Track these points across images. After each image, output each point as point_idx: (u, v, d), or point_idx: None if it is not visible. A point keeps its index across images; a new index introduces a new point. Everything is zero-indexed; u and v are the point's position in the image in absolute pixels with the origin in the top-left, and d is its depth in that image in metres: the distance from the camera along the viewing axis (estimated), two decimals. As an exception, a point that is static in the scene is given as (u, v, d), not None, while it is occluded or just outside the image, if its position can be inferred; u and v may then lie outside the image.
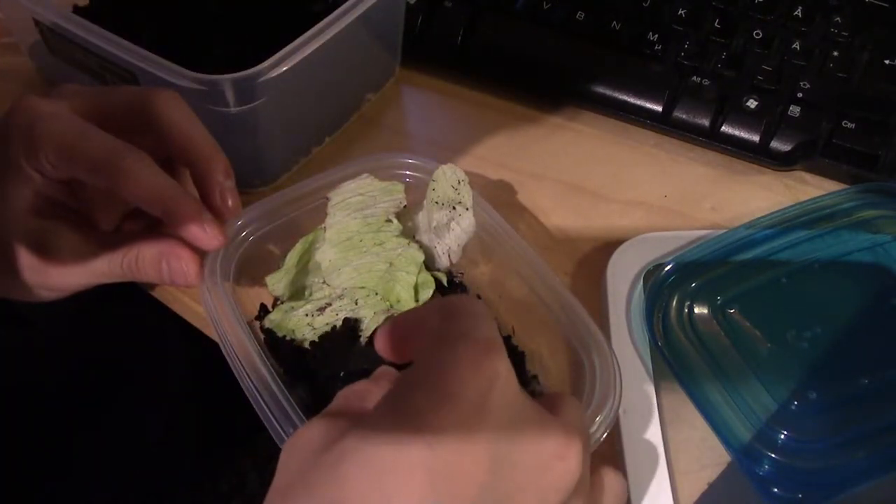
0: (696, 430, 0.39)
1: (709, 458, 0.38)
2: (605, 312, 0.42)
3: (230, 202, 0.37)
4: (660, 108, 0.52)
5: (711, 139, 0.51)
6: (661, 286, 0.42)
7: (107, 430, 0.54)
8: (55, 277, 0.37)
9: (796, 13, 0.53)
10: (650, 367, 0.40)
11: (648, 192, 0.50)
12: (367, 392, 0.29)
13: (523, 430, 0.25)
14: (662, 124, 0.52)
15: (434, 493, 0.22)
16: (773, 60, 0.52)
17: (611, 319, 0.42)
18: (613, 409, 0.35)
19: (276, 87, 0.42)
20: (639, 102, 0.52)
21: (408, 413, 0.24)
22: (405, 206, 0.44)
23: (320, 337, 0.42)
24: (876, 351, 0.40)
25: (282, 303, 0.43)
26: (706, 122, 0.51)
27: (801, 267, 0.42)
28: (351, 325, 0.42)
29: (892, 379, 0.39)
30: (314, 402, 0.39)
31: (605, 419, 0.35)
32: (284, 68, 0.41)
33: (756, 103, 0.50)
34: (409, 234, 0.44)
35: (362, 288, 0.43)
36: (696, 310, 0.41)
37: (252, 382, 0.35)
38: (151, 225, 0.40)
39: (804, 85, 0.51)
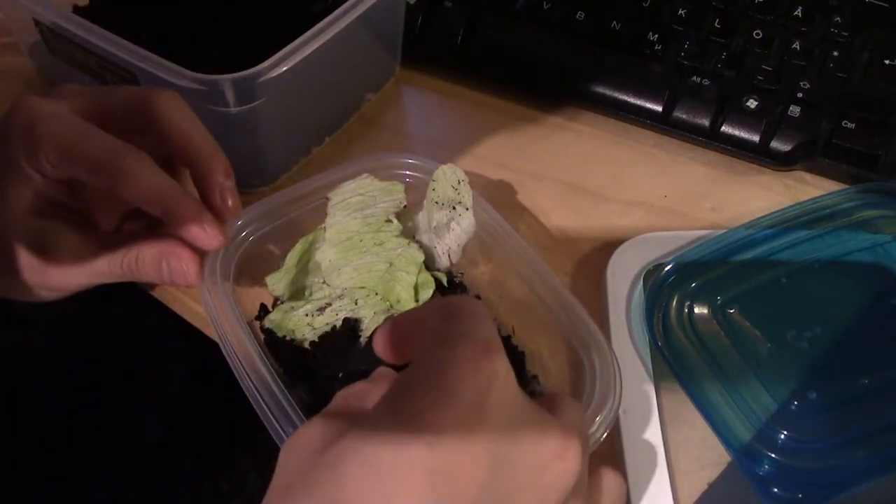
0: (696, 430, 0.39)
1: (709, 458, 0.38)
2: (605, 312, 0.42)
3: (230, 202, 0.37)
4: (660, 108, 0.52)
5: (711, 139, 0.51)
6: (661, 286, 0.42)
7: (107, 430, 0.54)
8: (55, 277, 0.37)
9: (796, 13, 0.53)
10: (650, 367, 0.40)
11: (648, 192, 0.50)
12: (366, 393, 0.29)
13: (523, 430, 0.25)
14: (662, 124, 0.52)
15: (434, 493, 0.22)
16: (773, 60, 0.52)
17: (611, 319, 0.42)
18: (613, 409, 0.35)
19: (276, 87, 0.42)
20: (639, 102, 0.52)
21: (407, 413, 0.24)
22: (405, 206, 0.44)
23: (320, 337, 0.42)
24: (876, 351, 0.40)
25: (282, 303, 0.43)
26: (706, 122, 0.51)
27: (801, 267, 0.42)
28: (351, 326, 0.42)
29: (892, 379, 0.39)
30: (314, 402, 0.39)
31: (604, 419, 0.35)
32: (284, 68, 0.41)
33: (756, 103, 0.50)
34: (409, 234, 0.44)
35: (362, 288, 0.43)
36: (696, 310, 0.41)
37: (252, 382, 0.35)
38: (151, 225, 0.40)
39: (804, 85, 0.51)
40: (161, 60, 0.41)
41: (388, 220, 0.43)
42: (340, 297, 0.43)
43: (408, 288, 0.43)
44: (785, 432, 0.37)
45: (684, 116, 0.51)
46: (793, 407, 0.38)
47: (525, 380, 0.41)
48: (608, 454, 0.38)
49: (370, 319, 0.42)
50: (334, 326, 0.42)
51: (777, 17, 0.54)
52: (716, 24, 0.54)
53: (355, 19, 0.44)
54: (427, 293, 0.43)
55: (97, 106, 0.37)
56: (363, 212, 0.43)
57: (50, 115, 0.35)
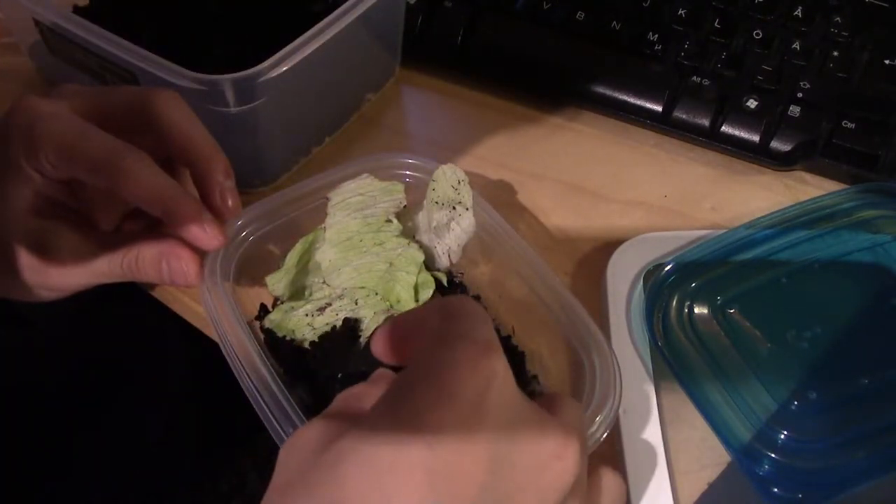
0: (696, 430, 0.39)
1: (709, 458, 0.38)
2: (605, 312, 0.42)
3: (230, 202, 0.37)
4: (660, 108, 0.52)
5: (711, 139, 0.51)
6: (661, 286, 0.42)
7: (107, 430, 0.54)
8: (55, 277, 0.37)
9: (796, 13, 0.53)
10: (650, 367, 0.40)
11: (648, 192, 0.50)
12: (365, 394, 0.29)
13: (522, 430, 0.25)
14: (662, 124, 0.52)
15: (433, 494, 0.22)
16: (773, 60, 0.52)
17: (611, 319, 0.42)
18: (613, 409, 0.35)
19: (276, 87, 0.42)
20: (639, 102, 0.52)
21: (406, 412, 0.24)
22: (405, 206, 0.44)
23: (320, 337, 0.42)
24: (876, 351, 0.40)
25: (282, 303, 0.43)
26: (706, 122, 0.51)
27: (801, 267, 0.42)
28: (351, 326, 0.42)
29: (892, 379, 0.39)
30: (314, 402, 0.39)
31: (604, 419, 0.35)
32: (284, 68, 0.41)
33: (756, 103, 0.50)
34: (409, 234, 0.44)
35: (362, 288, 0.43)
36: (696, 310, 0.41)
37: (252, 382, 0.35)
38: (151, 225, 0.40)
39: (804, 85, 0.51)
40: (161, 60, 0.41)
41: (388, 220, 0.43)
42: (340, 297, 0.43)
43: (408, 288, 0.43)
44: (785, 432, 0.37)
45: (684, 116, 0.51)
46: (793, 407, 0.38)
47: (525, 380, 0.41)
48: (608, 454, 0.38)
49: (370, 319, 0.42)
50: (334, 326, 0.42)
51: (777, 17, 0.54)
52: (716, 24, 0.54)
53: (355, 19, 0.44)
54: (427, 293, 0.43)
55: (97, 106, 0.37)
56: (363, 212, 0.43)
57: (50, 115, 0.35)
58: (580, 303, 0.39)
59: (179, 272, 0.37)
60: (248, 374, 0.35)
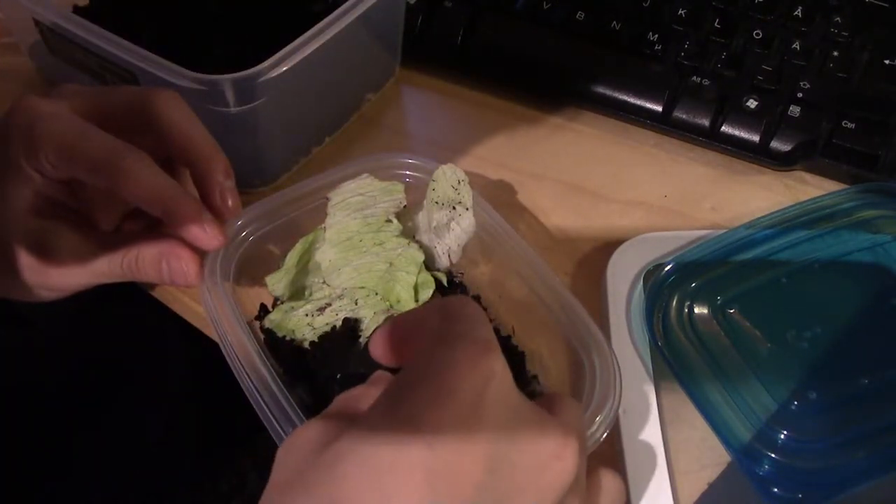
0: (696, 430, 0.39)
1: (709, 458, 0.38)
2: (605, 312, 0.42)
3: (230, 202, 0.37)
4: (660, 108, 0.52)
5: (711, 139, 0.51)
6: (661, 286, 0.42)
7: (107, 430, 0.54)
8: (55, 277, 0.37)
9: (796, 13, 0.53)
10: (650, 367, 0.40)
11: (648, 192, 0.50)
12: (364, 395, 0.29)
13: (521, 430, 0.25)
14: (662, 124, 0.52)
15: (433, 493, 0.22)
16: (773, 60, 0.52)
17: (611, 319, 0.42)
18: (613, 409, 0.35)
19: (276, 87, 0.42)
20: (639, 102, 0.52)
21: (405, 412, 0.24)
22: (405, 206, 0.44)
23: (320, 337, 0.42)
24: (876, 351, 0.40)
25: (282, 303, 0.43)
26: (706, 122, 0.51)
27: (801, 267, 0.42)
28: (351, 326, 0.42)
29: (892, 379, 0.39)
30: (314, 402, 0.39)
31: (604, 419, 0.35)
32: (284, 68, 0.41)
33: (756, 103, 0.50)
34: (409, 234, 0.44)
35: (362, 288, 0.43)
36: (696, 310, 0.41)
37: (252, 382, 0.35)
38: (151, 225, 0.40)
39: (804, 85, 0.51)
40: (161, 60, 0.41)
41: (388, 220, 0.43)
42: (340, 297, 0.43)
43: (408, 288, 0.43)
44: (785, 432, 0.37)
45: (684, 116, 0.51)
46: (793, 407, 0.38)
47: (525, 380, 0.41)
48: (608, 454, 0.38)
49: (370, 319, 0.42)
50: (334, 326, 0.42)
51: (777, 17, 0.54)
52: (716, 24, 0.54)
53: (355, 19, 0.44)
54: (427, 293, 0.43)
55: (97, 106, 0.37)
56: (363, 212, 0.43)
57: (50, 115, 0.35)
58: (580, 303, 0.39)
59: (179, 272, 0.37)
60: (247, 374, 0.35)
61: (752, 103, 0.50)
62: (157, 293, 0.46)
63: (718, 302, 0.41)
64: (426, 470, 0.23)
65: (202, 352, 0.43)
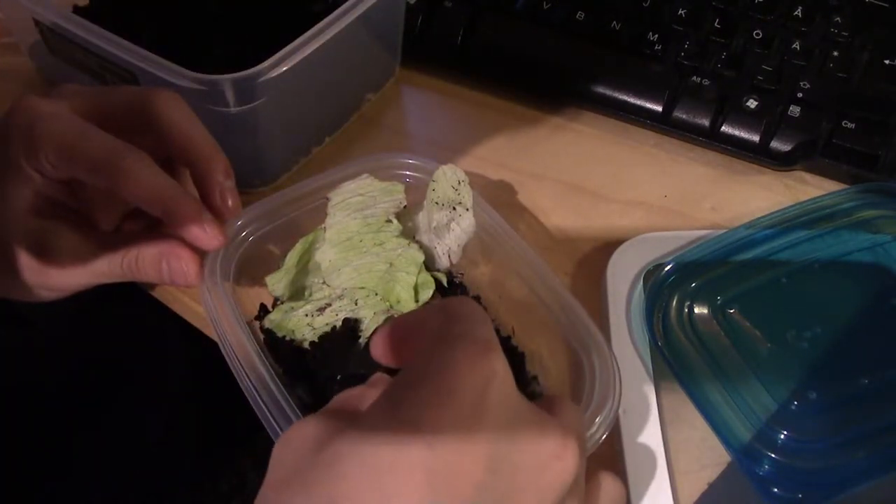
0: (696, 430, 0.39)
1: (709, 458, 0.38)
2: (605, 312, 0.42)
3: (230, 202, 0.37)
4: (660, 108, 0.52)
5: (711, 139, 0.51)
6: (661, 286, 0.42)
7: (107, 430, 0.54)
8: (55, 277, 0.37)
9: (796, 13, 0.53)
10: (650, 367, 0.40)
11: (648, 192, 0.50)
12: (363, 396, 0.28)
13: (521, 430, 0.25)
14: (662, 124, 0.52)
15: (433, 493, 0.22)
16: (773, 60, 0.52)
17: (611, 319, 0.42)
18: (613, 410, 0.35)
19: (276, 87, 0.42)
20: (639, 102, 0.52)
21: (405, 412, 0.24)
22: (405, 207, 0.44)
23: (320, 337, 0.42)
24: (876, 351, 0.40)
25: (282, 303, 0.43)
26: (706, 122, 0.51)
27: (801, 267, 0.42)
28: (351, 326, 0.42)
29: (892, 379, 0.39)
30: (313, 402, 0.39)
31: (604, 420, 0.35)
32: (284, 68, 0.41)
33: (756, 103, 0.50)
34: (410, 234, 0.44)
35: (362, 288, 0.43)
36: (696, 310, 0.41)
37: (251, 382, 0.35)
38: (151, 225, 0.40)
39: (804, 85, 0.51)
40: (161, 60, 0.41)
41: (389, 221, 0.43)
42: (340, 297, 0.43)
43: (408, 288, 0.43)
44: (785, 432, 0.37)
45: (684, 116, 0.51)
46: (793, 407, 0.38)
47: (525, 380, 0.41)
48: (608, 455, 0.38)
49: (370, 320, 0.42)
50: (334, 327, 0.42)
51: (777, 17, 0.54)
52: (716, 24, 0.54)
53: (355, 19, 0.44)
54: (427, 293, 0.43)
55: (97, 106, 0.37)
56: (363, 212, 0.43)
57: (50, 115, 0.35)
58: (580, 303, 0.39)
59: (179, 272, 0.37)
60: (247, 374, 0.35)
61: (752, 103, 0.50)
62: (157, 293, 0.46)
63: (718, 302, 0.41)
64: (426, 470, 0.23)
65: (202, 352, 0.43)
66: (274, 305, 0.44)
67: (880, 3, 0.54)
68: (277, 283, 0.43)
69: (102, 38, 0.42)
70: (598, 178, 0.51)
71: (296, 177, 0.50)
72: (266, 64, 0.41)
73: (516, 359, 0.42)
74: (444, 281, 0.44)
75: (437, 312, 0.27)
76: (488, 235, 0.43)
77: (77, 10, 0.52)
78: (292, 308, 0.42)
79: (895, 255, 0.43)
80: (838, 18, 0.53)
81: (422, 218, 0.44)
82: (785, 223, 0.44)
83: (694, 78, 0.52)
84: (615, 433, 0.38)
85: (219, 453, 0.61)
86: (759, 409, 0.37)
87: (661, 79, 0.52)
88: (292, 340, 0.42)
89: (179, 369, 0.59)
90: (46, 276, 0.37)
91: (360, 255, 0.43)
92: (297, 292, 0.44)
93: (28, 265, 0.36)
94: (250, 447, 0.61)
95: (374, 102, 0.55)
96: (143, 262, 0.37)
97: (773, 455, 0.36)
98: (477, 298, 0.44)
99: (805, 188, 0.50)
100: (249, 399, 0.35)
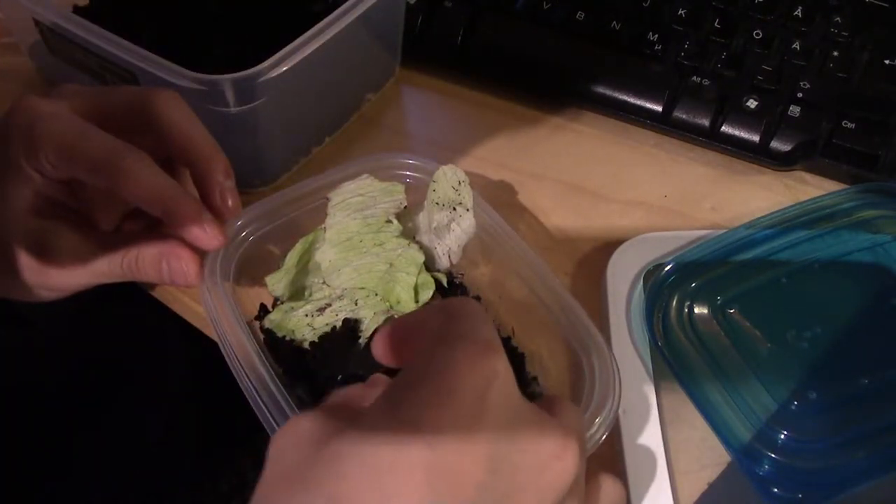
0: (696, 430, 0.39)
1: (709, 458, 0.38)
2: (605, 313, 0.42)
3: (230, 202, 0.37)
4: (660, 108, 0.52)
5: (711, 139, 0.51)
6: (661, 286, 0.42)
7: (107, 430, 0.54)
8: (55, 277, 0.37)
9: (796, 13, 0.53)
10: (650, 367, 0.40)
11: (648, 192, 0.50)
12: (363, 395, 0.28)
13: (522, 430, 0.25)
14: (662, 124, 0.52)
15: (433, 493, 0.22)
16: (773, 60, 0.52)
17: (611, 320, 0.42)
18: (613, 410, 0.35)
19: (276, 87, 0.42)
20: (639, 102, 0.52)
21: (406, 411, 0.24)
22: (405, 207, 0.44)
23: (320, 337, 0.42)
24: (876, 351, 0.40)
25: (282, 303, 0.43)
26: (706, 122, 0.51)
27: (801, 267, 0.42)
28: (351, 326, 0.42)
29: (892, 379, 0.39)
30: (313, 402, 0.39)
31: (604, 420, 0.35)
32: (284, 68, 0.41)
33: (756, 103, 0.50)
34: (410, 234, 0.44)
35: (362, 288, 0.43)
36: (696, 310, 0.41)
37: (251, 382, 0.35)
38: (151, 225, 0.40)
39: (804, 85, 0.51)
40: (161, 60, 0.41)
41: (389, 221, 0.43)
42: (340, 297, 0.43)
43: (408, 289, 0.43)
44: (785, 432, 0.37)
45: (684, 116, 0.51)
46: (793, 407, 0.38)
47: (525, 381, 0.41)
48: (608, 455, 0.38)
49: (370, 320, 0.42)
50: (334, 327, 0.42)
51: (777, 17, 0.54)
52: (716, 24, 0.54)
53: (355, 19, 0.44)
54: (427, 294, 0.43)
55: (97, 106, 0.37)
56: (363, 212, 0.43)
57: (50, 115, 0.35)
58: (580, 303, 0.39)
59: (179, 272, 0.37)
60: (246, 375, 0.35)
61: (752, 103, 0.50)
62: (157, 293, 0.46)
63: (718, 302, 0.41)
64: (427, 470, 0.23)
65: (202, 352, 0.43)
66: (274, 305, 0.43)
67: (880, 3, 0.54)
68: (277, 283, 0.43)
69: (102, 38, 0.42)
70: (598, 178, 0.51)
71: (296, 177, 0.50)
72: (266, 64, 0.41)
73: (516, 359, 0.42)
74: (444, 281, 0.44)
75: (438, 313, 0.27)
76: (488, 236, 0.43)
77: (77, 10, 0.52)
78: (292, 308, 0.42)
79: (895, 255, 0.43)
80: (838, 18, 0.53)
81: (422, 218, 0.44)
82: (785, 223, 0.44)
83: (694, 78, 0.52)
84: (615, 433, 0.38)
85: (219, 453, 0.61)
86: (759, 409, 0.37)
87: (661, 79, 0.52)
88: (292, 340, 0.42)
89: (179, 369, 0.59)
90: (46, 276, 0.37)
91: (360, 256, 0.43)
92: (297, 292, 0.44)
93: (28, 265, 0.36)
94: (250, 447, 0.61)
95: (374, 102, 0.55)
96: (143, 262, 0.37)
97: (773, 455, 0.36)
98: (477, 299, 0.44)
99: (805, 188, 0.50)
100: (249, 399, 0.35)
